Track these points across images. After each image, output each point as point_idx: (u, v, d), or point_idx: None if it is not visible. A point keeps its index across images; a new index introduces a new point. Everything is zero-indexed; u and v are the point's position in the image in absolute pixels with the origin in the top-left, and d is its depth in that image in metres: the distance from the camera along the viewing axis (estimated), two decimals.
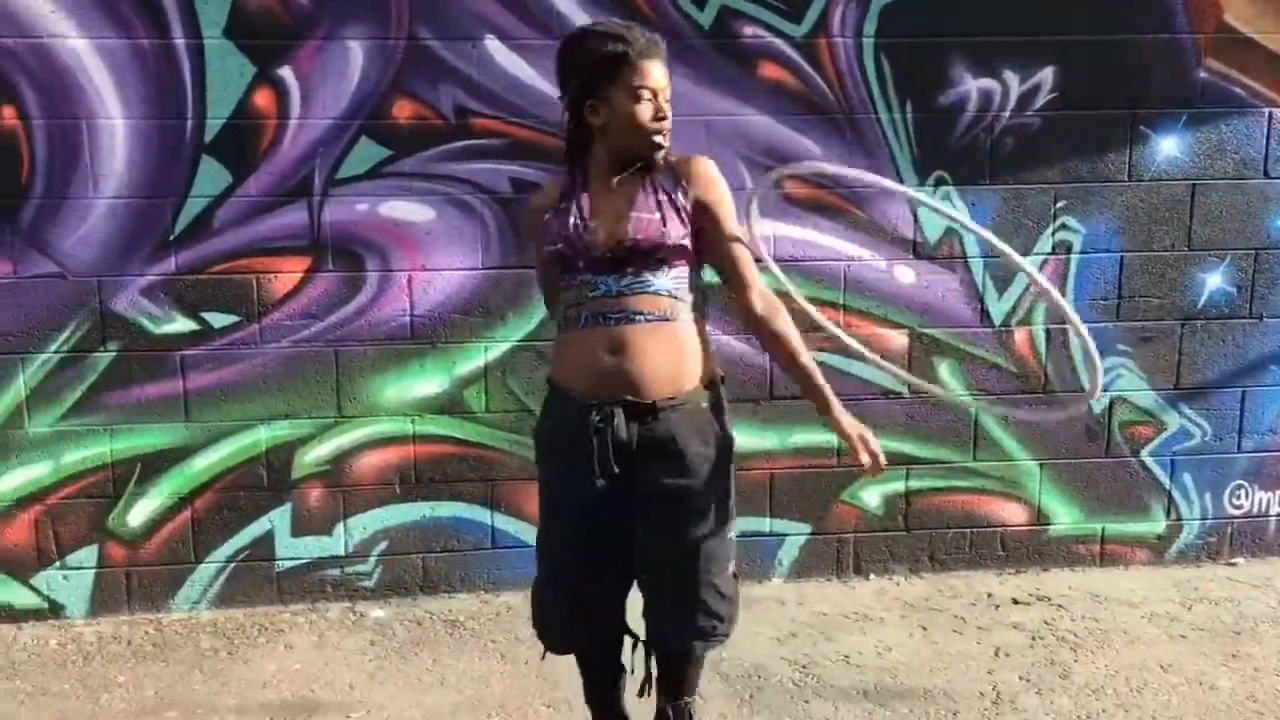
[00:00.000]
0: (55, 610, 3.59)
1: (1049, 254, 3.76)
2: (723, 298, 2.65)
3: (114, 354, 3.47)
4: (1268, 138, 3.77)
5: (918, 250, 3.73)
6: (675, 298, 2.31)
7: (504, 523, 3.72)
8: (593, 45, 2.25)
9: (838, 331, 2.89)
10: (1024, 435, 3.86)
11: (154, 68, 3.33)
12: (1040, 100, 3.66)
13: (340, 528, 3.66)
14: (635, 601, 2.48)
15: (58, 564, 3.56)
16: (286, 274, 3.49)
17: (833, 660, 3.35)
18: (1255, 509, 4.03)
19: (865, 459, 2.26)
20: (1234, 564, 4.02)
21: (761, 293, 2.36)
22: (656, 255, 2.29)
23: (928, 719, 3.01)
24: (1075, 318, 2.42)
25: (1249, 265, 3.85)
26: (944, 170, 3.67)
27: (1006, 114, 3.66)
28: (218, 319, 3.50)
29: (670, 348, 2.31)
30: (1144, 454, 3.94)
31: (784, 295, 2.42)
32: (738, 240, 2.37)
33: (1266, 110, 3.75)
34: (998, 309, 3.79)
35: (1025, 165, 3.70)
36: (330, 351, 3.56)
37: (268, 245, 3.47)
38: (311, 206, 3.47)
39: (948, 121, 3.64)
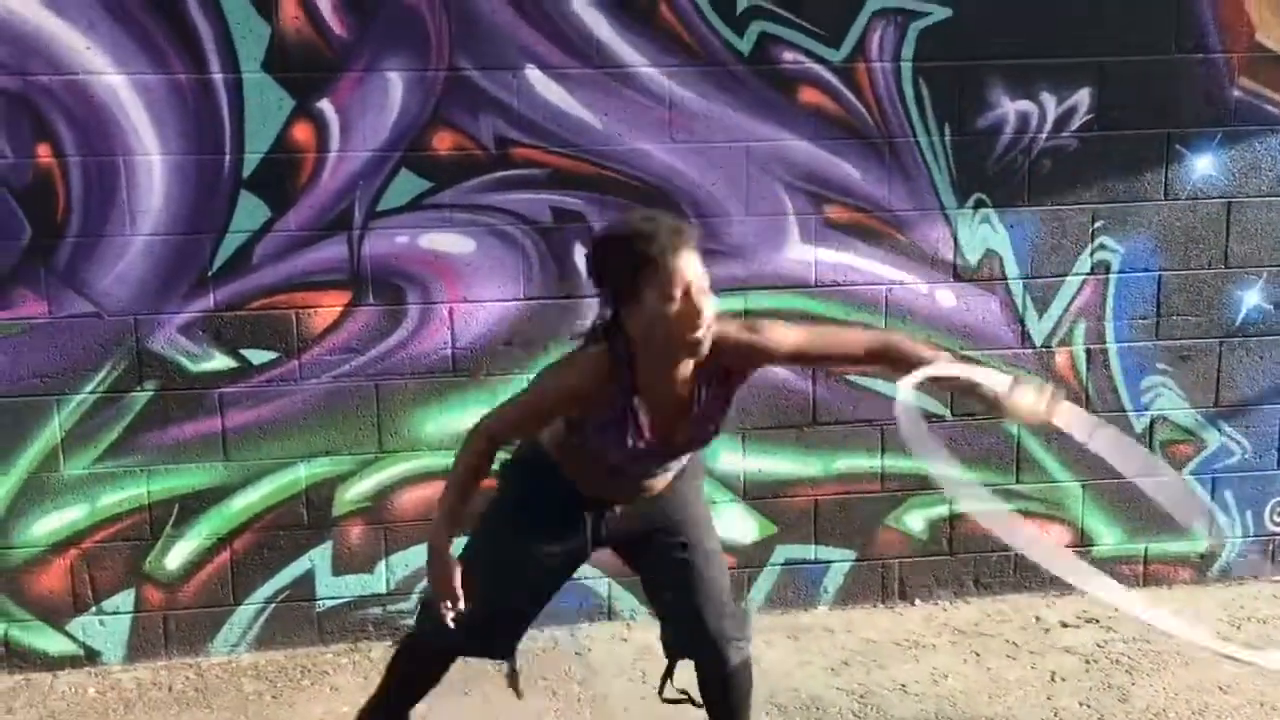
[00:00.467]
0: (91, 657, 3.50)
1: (1088, 274, 3.76)
2: None
3: (151, 393, 3.41)
4: None
5: (958, 273, 3.72)
6: None
7: None
8: (617, 252, 2.21)
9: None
10: (1066, 457, 3.84)
11: (191, 103, 3.28)
12: (1077, 121, 3.67)
13: (382, 565, 3.59)
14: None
15: (94, 609, 3.48)
16: (326, 308, 3.44)
17: (889, 689, 3.31)
18: None
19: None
20: (1277, 581, 4.01)
21: (918, 357, 2.34)
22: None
23: None
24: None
25: None
26: (983, 192, 3.67)
27: (1044, 136, 3.66)
28: (257, 356, 3.44)
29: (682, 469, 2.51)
30: (1185, 472, 3.92)
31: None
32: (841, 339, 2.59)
33: None
34: (1038, 330, 3.78)
35: (1063, 186, 3.70)
36: (371, 386, 3.50)
37: (307, 280, 3.42)
38: (351, 240, 3.42)
39: (986, 144, 3.64)
